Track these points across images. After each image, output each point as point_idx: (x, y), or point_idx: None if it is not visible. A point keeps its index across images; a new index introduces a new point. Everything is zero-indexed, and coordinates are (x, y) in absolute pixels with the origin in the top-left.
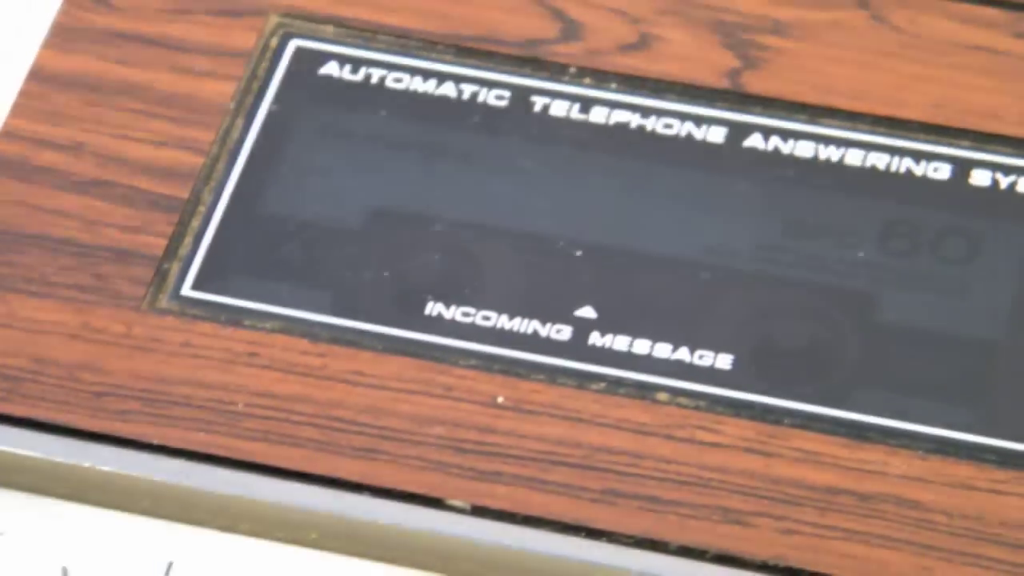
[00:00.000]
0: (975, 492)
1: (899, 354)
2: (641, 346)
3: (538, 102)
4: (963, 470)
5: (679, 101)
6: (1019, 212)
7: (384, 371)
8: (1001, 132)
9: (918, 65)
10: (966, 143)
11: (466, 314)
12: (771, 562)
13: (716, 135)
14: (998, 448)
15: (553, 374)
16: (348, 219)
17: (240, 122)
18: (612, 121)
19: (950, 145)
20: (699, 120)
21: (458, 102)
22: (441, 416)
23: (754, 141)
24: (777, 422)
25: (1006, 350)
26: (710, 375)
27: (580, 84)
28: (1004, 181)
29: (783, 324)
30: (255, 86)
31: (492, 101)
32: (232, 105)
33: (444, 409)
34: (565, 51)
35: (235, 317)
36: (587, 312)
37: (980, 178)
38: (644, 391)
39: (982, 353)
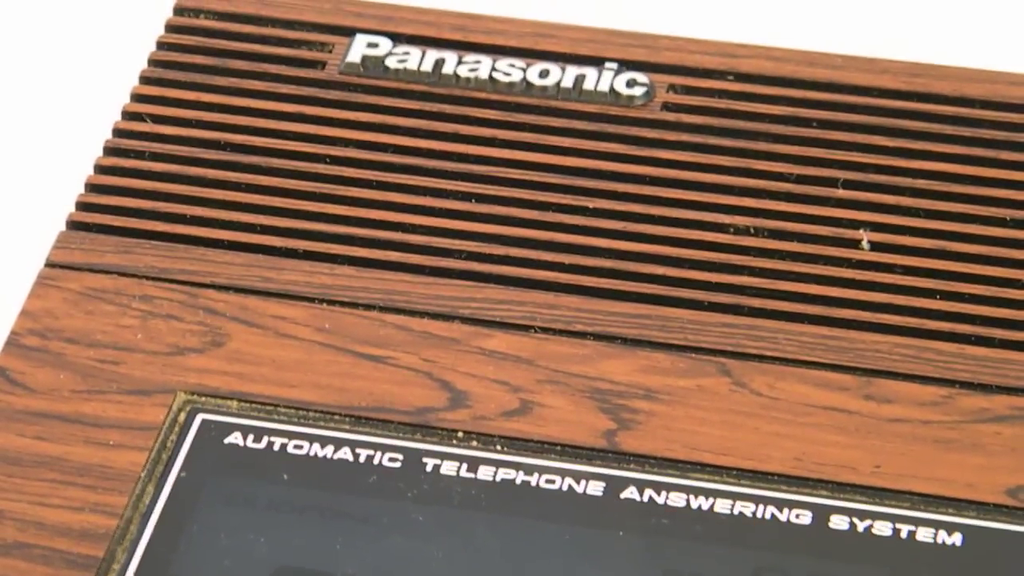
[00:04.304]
0: None
1: None
2: None
3: (429, 463)
4: None
5: (560, 460)
6: (875, 553)
7: None
8: (856, 482)
9: (778, 424)
10: (825, 492)
11: None
12: None
13: (595, 489)
14: None
15: None
16: None
17: (151, 488)
18: (498, 479)
19: (810, 495)
20: (579, 476)
21: (355, 465)
22: None
23: (630, 494)
24: None
25: None
26: None
27: (467, 447)
28: (860, 525)
29: None
30: (165, 456)
31: (386, 463)
32: (143, 473)
33: None
34: (453, 417)
35: None
36: None
37: (839, 523)
38: None
39: None
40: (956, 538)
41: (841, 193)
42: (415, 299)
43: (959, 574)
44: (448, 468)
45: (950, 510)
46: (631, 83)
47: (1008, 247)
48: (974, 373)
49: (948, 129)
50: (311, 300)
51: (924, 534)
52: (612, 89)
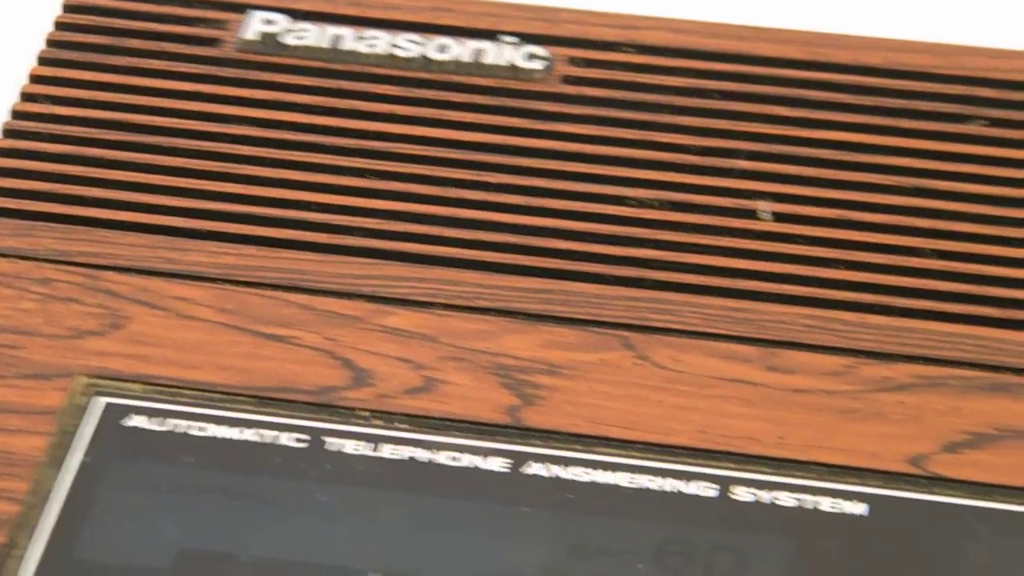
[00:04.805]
0: None
1: None
2: None
3: (333, 443)
4: None
5: (463, 436)
6: (780, 525)
7: None
8: (760, 453)
9: (682, 397)
10: (729, 464)
11: None
12: None
13: (499, 466)
14: None
15: None
16: (159, 560)
17: (53, 473)
18: (402, 457)
19: (715, 467)
20: (483, 453)
21: (259, 446)
22: None
23: (535, 470)
24: None
25: None
26: None
27: (371, 425)
28: (765, 496)
29: None
30: (66, 440)
31: (291, 444)
32: (45, 458)
33: None
34: (356, 396)
35: None
36: None
37: (743, 495)
38: None
39: None
40: (861, 508)
41: (743, 164)
42: (317, 278)
43: (864, 544)
44: (352, 447)
45: (854, 480)
46: (530, 56)
47: (909, 215)
48: (876, 342)
49: (849, 98)
50: (212, 281)
51: (829, 504)
52: (511, 63)
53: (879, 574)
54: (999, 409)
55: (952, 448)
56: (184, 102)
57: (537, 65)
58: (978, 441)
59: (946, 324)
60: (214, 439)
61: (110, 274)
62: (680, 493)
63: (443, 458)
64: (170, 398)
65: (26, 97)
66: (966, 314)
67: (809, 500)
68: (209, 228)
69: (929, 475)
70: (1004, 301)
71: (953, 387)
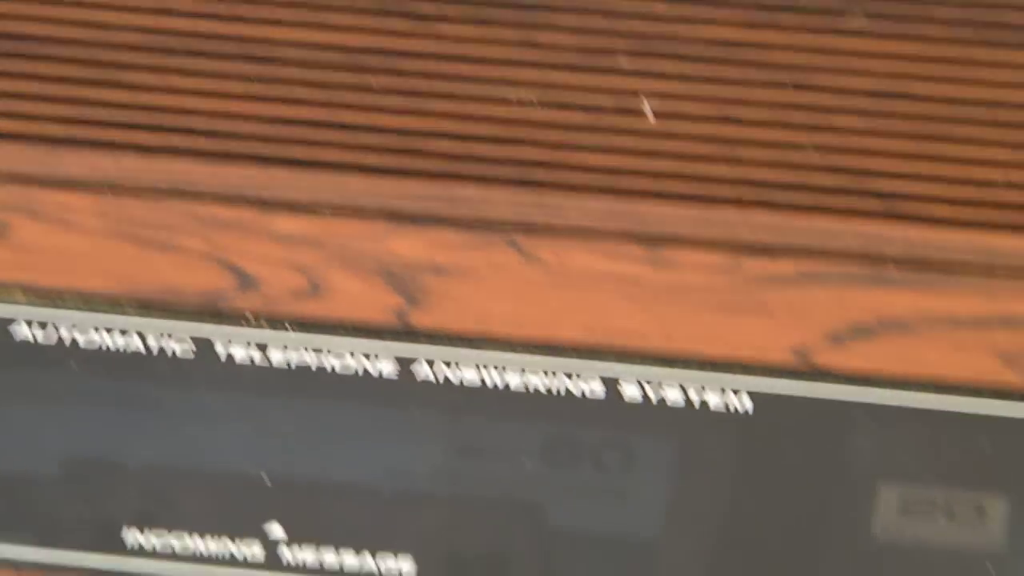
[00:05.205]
0: None
1: (569, 556)
2: (330, 559)
3: (220, 349)
4: None
5: (352, 340)
6: (667, 422)
7: None
8: (646, 350)
9: (568, 295)
10: (615, 361)
11: (163, 542)
12: None
13: (388, 368)
14: None
15: None
16: (47, 468)
17: None
18: (290, 362)
19: (601, 364)
20: (371, 356)
21: (145, 353)
22: None
23: (423, 371)
24: None
25: (661, 547)
26: None
27: (259, 331)
28: (652, 394)
29: (462, 535)
30: None
31: (177, 351)
32: None
33: None
34: (243, 302)
35: None
36: (277, 532)
37: (630, 392)
38: None
39: (642, 552)
40: (746, 404)
41: (624, 62)
42: (200, 184)
43: (749, 440)
44: (240, 354)
45: (740, 375)
46: None
47: (790, 110)
48: (759, 237)
49: None
50: (94, 188)
51: (714, 401)
52: None
53: (766, 469)
54: (881, 301)
55: (836, 340)
56: (61, 8)
57: None
58: (861, 333)
59: (827, 218)
60: (99, 347)
61: None
62: (568, 392)
63: (332, 362)
64: (53, 306)
65: None
66: (847, 208)
67: (695, 397)
68: (90, 136)
69: (814, 367)
70: (885, 194)
71: (836, 280)
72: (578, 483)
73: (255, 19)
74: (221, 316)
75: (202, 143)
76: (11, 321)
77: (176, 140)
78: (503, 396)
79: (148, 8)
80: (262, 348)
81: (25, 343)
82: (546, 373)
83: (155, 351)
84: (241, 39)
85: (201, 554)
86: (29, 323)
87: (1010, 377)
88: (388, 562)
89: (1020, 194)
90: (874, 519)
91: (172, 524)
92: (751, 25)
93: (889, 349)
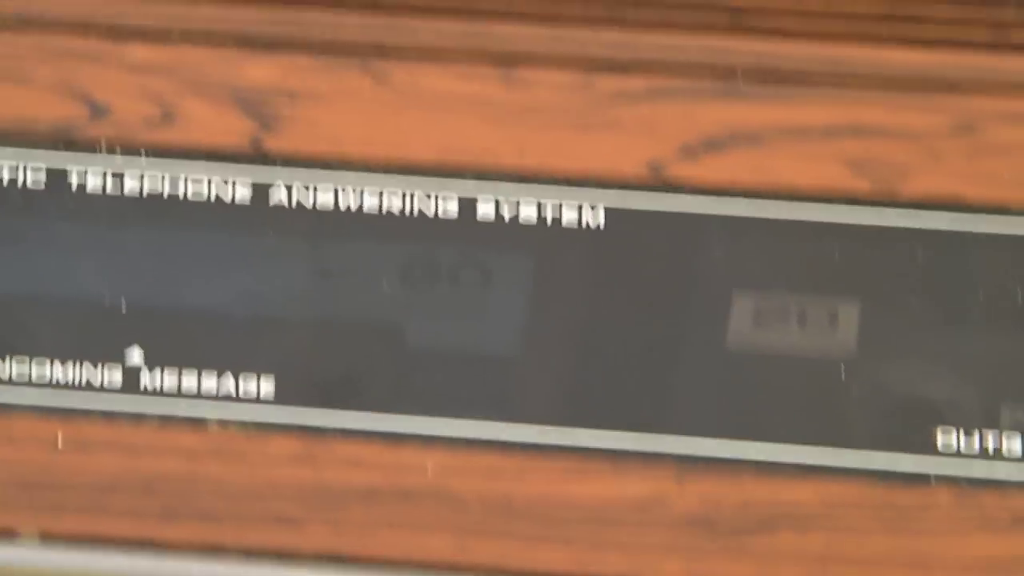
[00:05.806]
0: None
1: (427, 375)
2: (189, 382)
3: (73, 179)
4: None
5: (206, 165)
6: (521, 238)
7: None
8: (500, 169)
9: (422, 116)
10: (470, 179)
11: (21, 370)
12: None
13: (243, 194)
14: (519, 441)
15: (110, 415)
16: None
17: None
18: (144, 190)
19: (456, 184)
20: (226, 182)
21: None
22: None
23: (279, 196)
24: (320, 435)
25: (519, 364)
26: (255, 400)
27: (111, 160)
28: (506, 212)
29: (321, 356)
30: None
31: (30, 182)
32: None
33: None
34: (95, 131)
35: None
36: (137, 358)
37: (485, 211)
38: (195, 421)
39: (500, 369)
40: (599, 219)
41: None
42: (50, 13)
43: (605, 254)
44: (93, 183)
45: (594, 189)
46: None
47: None
48: (610, 54)
49: None
50: None
51: (568, 218)
52: None
53: (622, 283)
54: (732, 114)
55: (688, 153)
56: None
57: None
58: (713, 146)
59: (677, 33)
60: None
61: None
62: (423, 213)
63: (187, 190)
64: None
65: None
66: (696, 23)
67: (549, 215)
68: None
69: (667, 181)
70: (733, 8)
71: (687, 95)
72: (436, 303)
73: None
74: (74, 145)
75: None
76: None
77: None
78: (359, 218)
79: None
80: (117, 176)
81: None
82: (402, 194)
83: (6, 182)
84: None
85: (60, 381)
86: None
87: (859, 184)
88: (248, 384)
89: (867, 4)
90: (729, 329)
91: (31, 352)
92: None
93: (740, 161)
